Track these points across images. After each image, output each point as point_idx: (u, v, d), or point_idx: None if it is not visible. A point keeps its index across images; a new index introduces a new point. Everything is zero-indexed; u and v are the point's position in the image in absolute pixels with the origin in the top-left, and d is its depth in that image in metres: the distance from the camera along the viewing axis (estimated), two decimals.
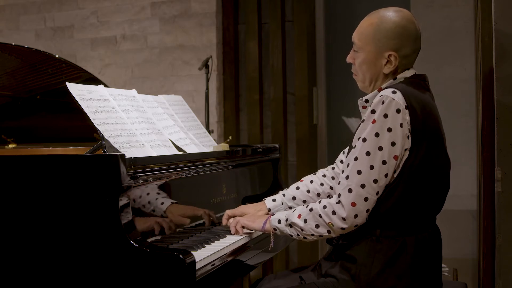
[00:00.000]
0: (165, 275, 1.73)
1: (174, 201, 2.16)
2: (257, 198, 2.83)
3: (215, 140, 2.91)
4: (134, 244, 1.76)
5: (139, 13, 4.49)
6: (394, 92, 1.82)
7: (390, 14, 1.93)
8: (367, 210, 1.84)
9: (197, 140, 2.68)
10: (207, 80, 3.62)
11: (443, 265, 2.83)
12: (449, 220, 3.70)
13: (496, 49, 2.72)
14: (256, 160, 2.93)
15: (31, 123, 3.25)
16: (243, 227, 2.17)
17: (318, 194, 2.34)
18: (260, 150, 3.01)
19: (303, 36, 4.25)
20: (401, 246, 1.88)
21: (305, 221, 1.92)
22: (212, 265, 1.90)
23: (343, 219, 1.84)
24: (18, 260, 1.88)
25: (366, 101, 2.00)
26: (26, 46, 2.80)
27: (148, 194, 2.01)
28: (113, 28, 4.55)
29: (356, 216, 1.84)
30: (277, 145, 3.15)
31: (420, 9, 3.79)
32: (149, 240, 1.93)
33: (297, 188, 2.35)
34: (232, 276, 2.09)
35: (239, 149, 2.87)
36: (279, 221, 2.02)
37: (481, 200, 3.18)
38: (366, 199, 1.83)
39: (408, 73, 1.98)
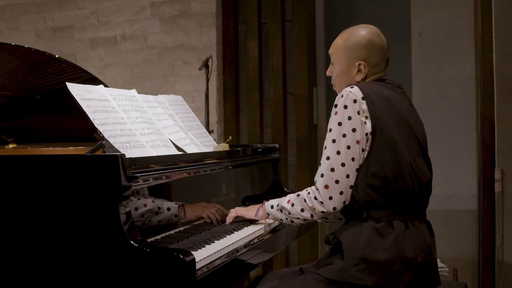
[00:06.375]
0: (165, 275, 1.73)
1: (176, 201, 2.16)
2: (257, 198, 2.83)
3: (215, 140, 2.91)
4: (134, 244, 1.76)
5: (139, 13, 4.49)
6: (352, 87, 2.06)
7: (358, 29, 2.18)
8: (341, 193, 2.00)
9: (197, 140, 2.68)
10: (207, 80, 3.62)
11: (443, 265, 2.84)
12: (449, 220, 3.70)
13: (496, 49, 2.72)
14: (256, 160, 2.93)
15: (31, 123, 3.25)
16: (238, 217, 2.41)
17: None
18: (260, 150, 3.01)
19: (303, 36, 4.25)
20: (388, 223, 1.98)
21: (292, 205, 2.11)
22: (212, 265, 1.90)
23: (321, 202, 2.02)
24: (19, 260, 1.88)
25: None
26: (26, 46, 2.80)
27: (148, 194, 2.01)
28: (113, 28, 4.55)
29: (331, 198, 2.01)
30: (277, 145, 3.15)
31: (420, 9, 3.79)
32: (149, 240, 1.93)
33: None
34: (232, 276, 2.09)
35: (239, 149, 2.87)
36: (272, 207, 2.24)
37: (481, 200, 3.18)
38: (337, 181, 2.00)
39: (375, 78, 2.18)
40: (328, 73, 2.25)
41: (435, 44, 3.72)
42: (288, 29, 4.31)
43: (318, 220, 2.11)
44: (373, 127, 2.00)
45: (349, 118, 2.01)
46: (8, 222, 1.90)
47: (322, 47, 4.42)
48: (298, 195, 2.10)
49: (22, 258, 1.88)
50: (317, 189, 2.02)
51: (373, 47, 2.14)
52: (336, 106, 2.04)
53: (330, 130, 2.04)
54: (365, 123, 2.01)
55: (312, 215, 2.06)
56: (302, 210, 2.07)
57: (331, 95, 4.43)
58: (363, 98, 2.02)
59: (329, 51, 2.23)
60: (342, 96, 2.04)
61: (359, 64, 2.13)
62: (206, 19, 4.32)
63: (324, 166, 2.02)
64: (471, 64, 3.69)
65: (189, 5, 4.36)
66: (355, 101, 2.01)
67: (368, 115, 2.01)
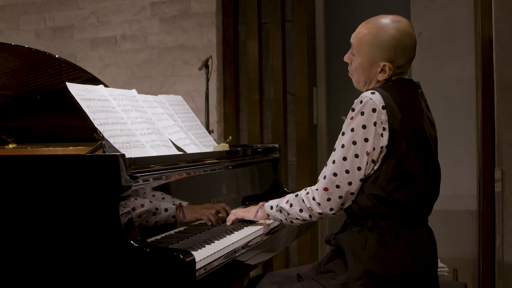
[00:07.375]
0: (165, 275, 1.73)
1: (176, 201, 2.16)
2: (257, 198, 2.83)
3: (215, 140, 2.91)
4: (134, 244, 1.76)
5: (139, 13, 4.49)
6: (373, 93, 1.94)
7: (388, 24, 2.01)
8: (340, 197, 1.97)
9: (197, 140, 2.68)
10: (207, 80, 3.62)
11: (443, 265, 2.84)
12: (449, 220, 3.70)
13: (496, 49, 2.72)
14: (256, 160, 2.93)
15: (31, 123, 3.25)
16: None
17: None
18: (260, 150, 3.01)
19: (303, 36, 4.25)
20: (393, 235, 1.94)
21: (291, 205, 2.08)
22: (212, 265, 1.90)
23: (319, 203, 1.99)
24: (19, 260, 1.88)
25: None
26: (26, 46, 2.80)
27: (148, 194, 2.01)
28: (113, 28, 4.55)
29: (329, 199, 1.97)
30: (277, 145, 3.15)
31: (420, 9, 3.79)
32: (149, 240, 1.93)
33: None
34: (232, 276, 2.09)
35: (239, 149, 2.87)
36: (271, 207, 2.20)
37: (481, 200, 3.18)
38: (338, 186, 1.96)
39: (397, 78, 2.06)
40: (346, 59, 2.11)
41: (435, 44, 3.72)
42: (288, 29, 4.31)
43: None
44: (389, 140, 1.91)
45: (364, 127, 1.92)
46: (8, 222, 1.90)
47: (322, 47, 4.42)
48: (296, 195, 2.07)
49: (22, 258, 1.88)
50: (317, 190, 1.99)
51: (402, 48, 1.99)
52: (353, 110, 1.95)
53: (343, 133, 1.98)
54: (382, 135, 1.92)
55: (310, 216, 2.03)
56: (301, 210, 2.04)
57: (331, 95, 4.43)
58: (383, 108, 1.92)
59: (351, 39, 2.07)
60: (361, 102, 1.94)
61: (384, 65, 2.00)
62: (206, 19, 4.32)
63: (328, 169, 1.97)
64: (471, 64, 3.69)
65: (189, 5, 4.37)
66: (374, 110, 1.91)
67: (386, 126, 1.91)
